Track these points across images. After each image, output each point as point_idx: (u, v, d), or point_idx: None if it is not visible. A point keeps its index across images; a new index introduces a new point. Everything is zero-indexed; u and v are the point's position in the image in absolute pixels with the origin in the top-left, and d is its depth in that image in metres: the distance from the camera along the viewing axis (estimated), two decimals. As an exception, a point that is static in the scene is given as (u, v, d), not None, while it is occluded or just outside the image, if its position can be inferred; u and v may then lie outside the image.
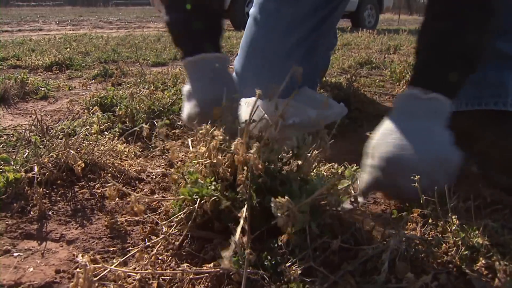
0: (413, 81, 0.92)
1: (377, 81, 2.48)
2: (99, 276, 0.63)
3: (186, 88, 1.09)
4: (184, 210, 0.82)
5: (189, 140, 0.89)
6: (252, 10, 1.50)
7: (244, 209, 0.62)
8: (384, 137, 0.88)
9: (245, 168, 0.73)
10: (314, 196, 0.66)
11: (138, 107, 1.54)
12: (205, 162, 0.82)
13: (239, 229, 0.57)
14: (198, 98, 1.04)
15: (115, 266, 0.66)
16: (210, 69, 1.06)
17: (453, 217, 0.75)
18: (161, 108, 1.65)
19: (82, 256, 0.59)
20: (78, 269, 0.59)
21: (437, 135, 0.87)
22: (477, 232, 0.73)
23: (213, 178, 0.82)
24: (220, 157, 0.79)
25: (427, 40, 0.94)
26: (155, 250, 0.74)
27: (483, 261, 0.69)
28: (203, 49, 1.08)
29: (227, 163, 0.80)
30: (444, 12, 0.90)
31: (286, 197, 0.62)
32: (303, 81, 1.01)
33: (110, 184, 0.85)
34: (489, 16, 0.89)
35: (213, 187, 0.78)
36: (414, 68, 0.96)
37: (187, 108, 1.06)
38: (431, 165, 0.82)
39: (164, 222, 0.86)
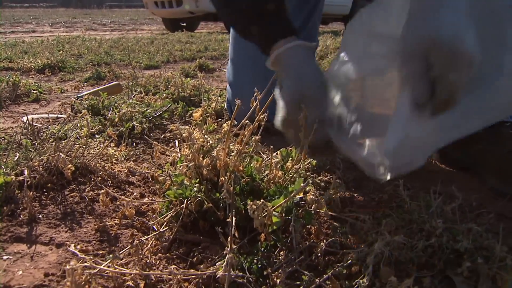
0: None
1: (368, 85, 2.49)
2: (88, 277, 0.64)
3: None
4: (172, 211, 0.84)
5: (176, 142, 0.91)
6: None
7: (231, 215, 0.63)
8: None
9: (227, 172, 0.75)
10: (290, 197, 0.68)
11: (129, 112, 1.54)
12: (190, 164, 0.84)
13: (230, 239, 0.58)
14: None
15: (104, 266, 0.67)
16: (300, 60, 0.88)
17: (438, 221, 0.76)
18: (151, 111, 1.66)
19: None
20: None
21: None
22: (461, 236, 0.75)
23: (198, 179, 0.83)
24: (203, 160, 0.81)
25: None
26: (144, 253, 0.75)
27: (467, 265, 0.70)
28: (294, 31, 0.91)
29: (211, 165, 0.81)
30: None
31: (261, 200, 0.65)
32: None
33: (103, 191, 0.86)
34: None
35: (196, 189, 0.80)
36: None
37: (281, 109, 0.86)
38: None
39: (152, 222, 0.86)
